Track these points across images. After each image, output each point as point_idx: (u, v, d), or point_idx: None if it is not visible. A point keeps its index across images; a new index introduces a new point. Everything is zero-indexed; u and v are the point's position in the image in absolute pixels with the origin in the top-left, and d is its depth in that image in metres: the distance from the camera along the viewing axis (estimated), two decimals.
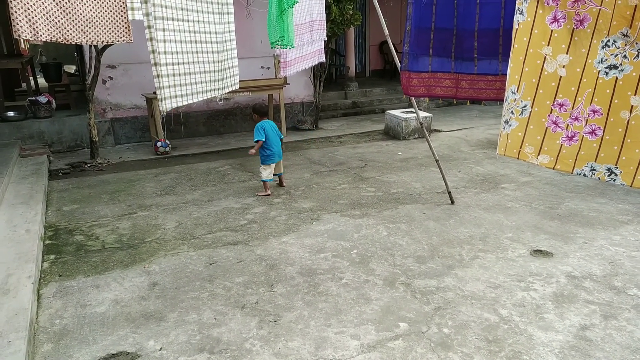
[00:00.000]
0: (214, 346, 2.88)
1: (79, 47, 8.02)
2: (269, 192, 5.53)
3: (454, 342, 2.88)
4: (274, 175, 5.65)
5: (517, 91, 3.55)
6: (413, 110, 8.04)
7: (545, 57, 3.38)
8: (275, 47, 4.64)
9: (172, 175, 6.39)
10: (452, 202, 5.15)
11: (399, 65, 4.85)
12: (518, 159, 3.71)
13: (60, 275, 3.78)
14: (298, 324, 3.09)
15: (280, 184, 5.85)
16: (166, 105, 3.27)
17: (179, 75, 3.35)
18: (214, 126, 8.94)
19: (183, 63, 3.41)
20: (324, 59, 6.51)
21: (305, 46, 5.73)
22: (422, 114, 8.51)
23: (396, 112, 8.54)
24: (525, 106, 3.54)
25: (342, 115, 10.75)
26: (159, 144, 7.41)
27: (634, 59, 3.03)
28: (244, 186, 5.89)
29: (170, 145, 7.54)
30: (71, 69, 13.01)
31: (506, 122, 3.67)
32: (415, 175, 6.21)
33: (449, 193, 5.18)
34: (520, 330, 2.98)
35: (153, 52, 3.25)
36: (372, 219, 4.79)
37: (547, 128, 3.49)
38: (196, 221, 4.82)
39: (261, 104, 6.11)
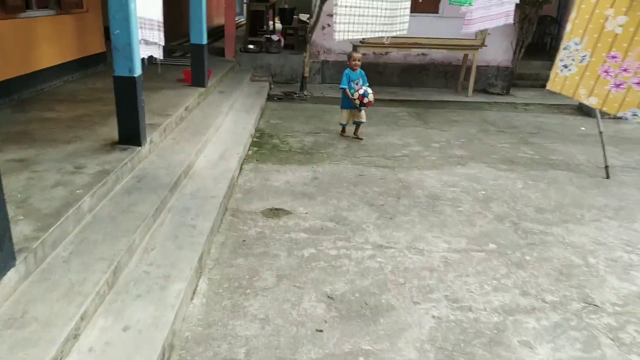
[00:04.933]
0: (340, 220, 3.91)
1: None
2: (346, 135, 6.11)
3: (529, 266, 3.35)
4: (354, 122, 6.10)
5: (580, 43, 4.29)
6: None
7: (607, 17, 4.15)
8: (453, 4, 5.19)
9: None
10: (607, 177, 5.11)
11: None
12: (572, 98, 4.57)
13: (257, 160, 5.26)
14: (407, 224, 3.90)
15: (355, 133, 6.13)
16: (338, 36, 4.26)
17: (353, 15, 4.31)
18: (406, 79, 9.74)
19: (358, 7, 4.35)
20: (512, 22, 6.68)
21: (493, 7, 6.07)
22: None
23: None
24: (585, 56, 4.42)
25: (542, 87, 10.37)
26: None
27: None
28: (413, 130, 6.68)
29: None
30: (305, 17, 15.12)
31: (565, 66, 4.58)
32: (586, 150, 6.11)
33: (606, 167, 5.14)
34: (597, 274, 3.27)
35: None
36: (514, 174, 5.15)
37: (599, 75, 4.33)
38: (361, 147, 5.85)
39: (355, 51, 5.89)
